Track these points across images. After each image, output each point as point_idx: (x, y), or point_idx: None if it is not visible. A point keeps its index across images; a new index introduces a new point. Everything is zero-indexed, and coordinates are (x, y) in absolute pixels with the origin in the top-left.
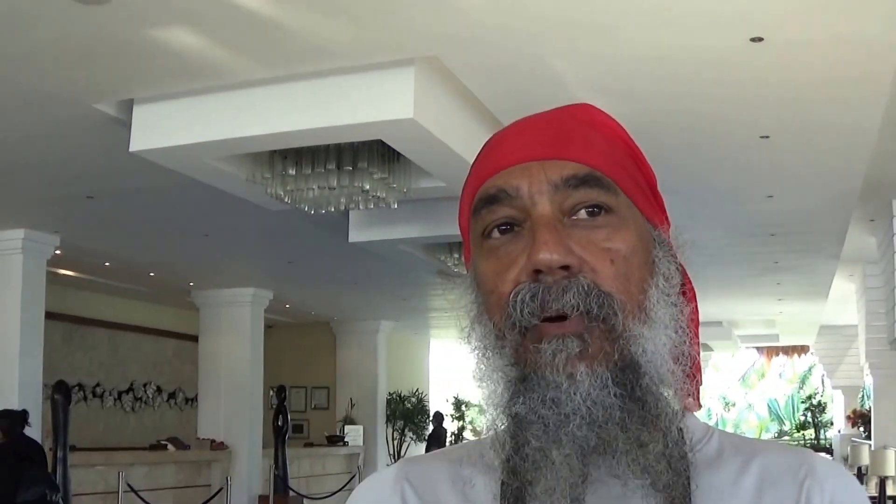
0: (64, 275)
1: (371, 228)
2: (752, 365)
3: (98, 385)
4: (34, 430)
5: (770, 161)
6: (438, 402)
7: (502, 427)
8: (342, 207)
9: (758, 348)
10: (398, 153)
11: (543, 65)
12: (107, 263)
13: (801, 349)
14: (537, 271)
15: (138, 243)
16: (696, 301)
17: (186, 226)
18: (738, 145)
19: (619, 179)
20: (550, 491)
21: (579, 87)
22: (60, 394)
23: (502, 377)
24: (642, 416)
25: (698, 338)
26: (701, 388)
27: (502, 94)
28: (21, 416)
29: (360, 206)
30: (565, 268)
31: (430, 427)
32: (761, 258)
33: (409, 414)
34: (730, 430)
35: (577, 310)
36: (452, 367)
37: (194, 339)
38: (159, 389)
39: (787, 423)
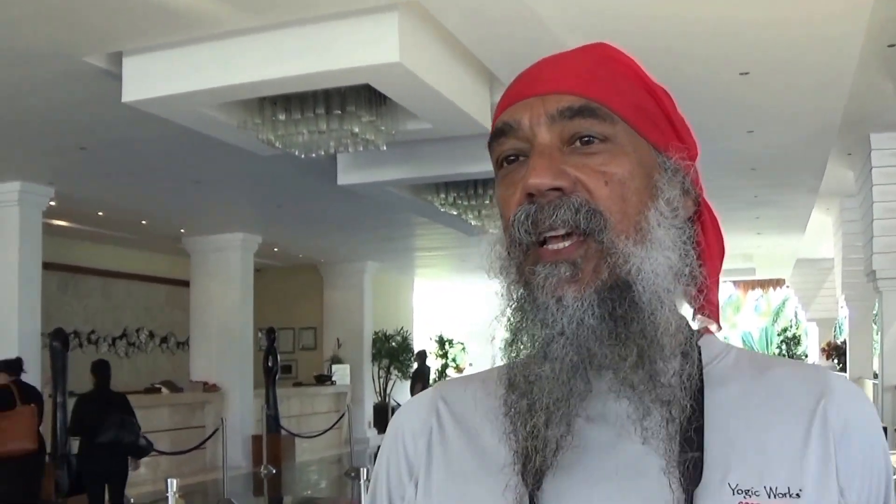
0: (58, 225)
1: (359, 171)
2: (728, 298)
3: (93, 332)
4: (34, 377)
5: (750, 97)
6: (423, 340)
7: (504, 340)
8: (332, 151)
9: (734, 282)
10: (385, 96)
11: (524, 6)
12: (100, 213)
13: (777, 283)
14: (530, 195)
15: (130, 192)
16: (717, 226)
17: (177, 173)
18: (718, 82)
19: (618, 108)
20: (541, 402)
21: (561, 28)
22: (58, 341)
23: (508, 294)
24: (621, 333)
25: (719, 261)
26: (719, 309)
27: (484, 37)
28: (19, 364)
29: (350, 150)
30: (559, 190)
31: (415, 365)
32: (741, 193)
33: (394, 352)
34: None
35: (568, 225)
36: (436, 306)
37: (185, 284)
38: (152, 334)
39: None
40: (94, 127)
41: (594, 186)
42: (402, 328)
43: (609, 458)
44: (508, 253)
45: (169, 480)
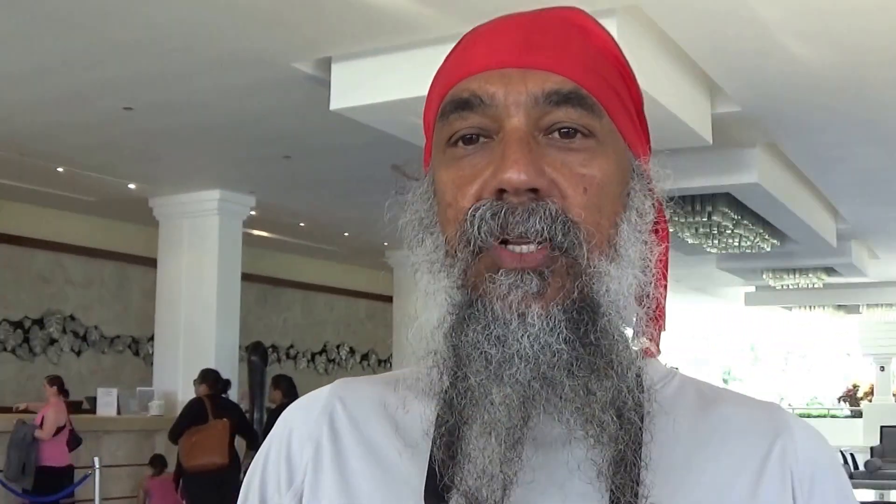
0: (257, 236)
1: None
2: None
3: (292, 346)
4: (230, 392)
5: None
6: None
7: (443, 355)
8: None
9: None
10: None
11: (748, 10)
12: (301, 224)
13: None
14: (502, 190)
15: (333, 202)
16: (668, 241)
17: (383, 184)
18: None
19: (605, 100)
20: (486, 432)
21: (783, 32)
22: (257, 355)
23: (447, 299)
24: (592, 362)
25: (667, 280)
26: (663, 333)
27: (705, 41)
28: (221, 383)
29: None
30: (533, 190)
31: None
32: None
33: None
34: None
35: (541, 235)
36: None
37: (388, 299)
38: (352, 351)
39: None
40: (300, 135)
41: (572, 192)
42: None
43: (550, 496)
44: (453, 251)
45: None
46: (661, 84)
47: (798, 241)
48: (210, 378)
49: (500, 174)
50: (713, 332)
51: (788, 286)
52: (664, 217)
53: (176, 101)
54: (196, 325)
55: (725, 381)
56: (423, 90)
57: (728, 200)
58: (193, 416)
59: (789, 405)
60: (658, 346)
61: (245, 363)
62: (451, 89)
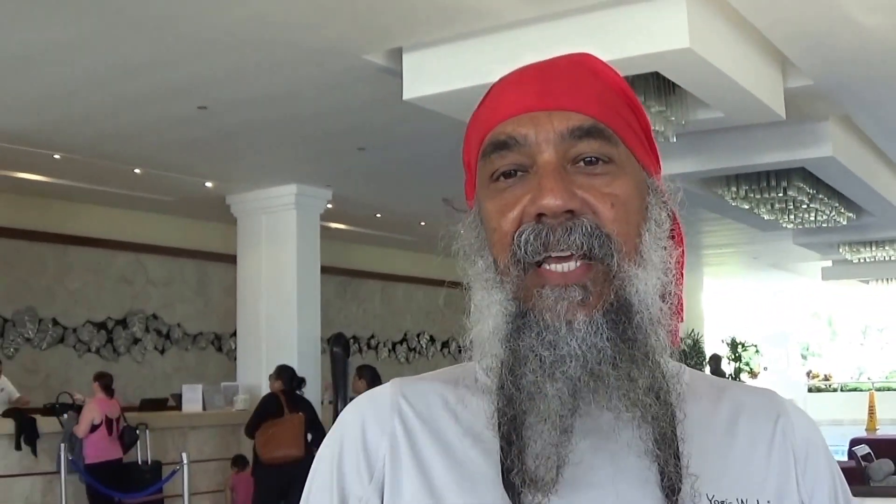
0: (335, 228)
1: None
2: None
3: (373, 337)
4: (312, 383)
5: None
6: (714, 343)
7: (501, 357)
8: None
9: None
10: (674, 85)
11: None
12: (378, 215)
13: None
14: (541, 214)
15: (409, 193)
16: (683, 245)
17: (457, 173)
18: None
19: (619, 130)
20: (542, 420)
21: (851, 4)
22: (339, 346)
23: (501, 311)
24: (632, 354)
25: (683, 279)
26: (680, 325)
27: (774, 16)
28: (295, 380)
29: None
30: (569, 211)
31: (707, 370)
32: None
33: (684, 356)
34: None
35: (581, 249)
36: (727, 307)
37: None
38: (432, 339)
39: None
40: (374, 126)
41: (601, 208)
42: (692, 330)
43: (602, 472)
44: (505, 269)
45: None
46: (732, 60)
47: (874, 213)
48: (285, 375)
49: (538, 201)
50: (791, 309)
51: (865, 259)
52: (679, 224)
53: (249, 99)
54: (277, 319)
55: (804, 358)
56: (495, 76)
57: (803, 175)
58: (269, 410)
59: (868, 379)
60: (678, 335)
61: (327, 355)
62: (489, 133)
